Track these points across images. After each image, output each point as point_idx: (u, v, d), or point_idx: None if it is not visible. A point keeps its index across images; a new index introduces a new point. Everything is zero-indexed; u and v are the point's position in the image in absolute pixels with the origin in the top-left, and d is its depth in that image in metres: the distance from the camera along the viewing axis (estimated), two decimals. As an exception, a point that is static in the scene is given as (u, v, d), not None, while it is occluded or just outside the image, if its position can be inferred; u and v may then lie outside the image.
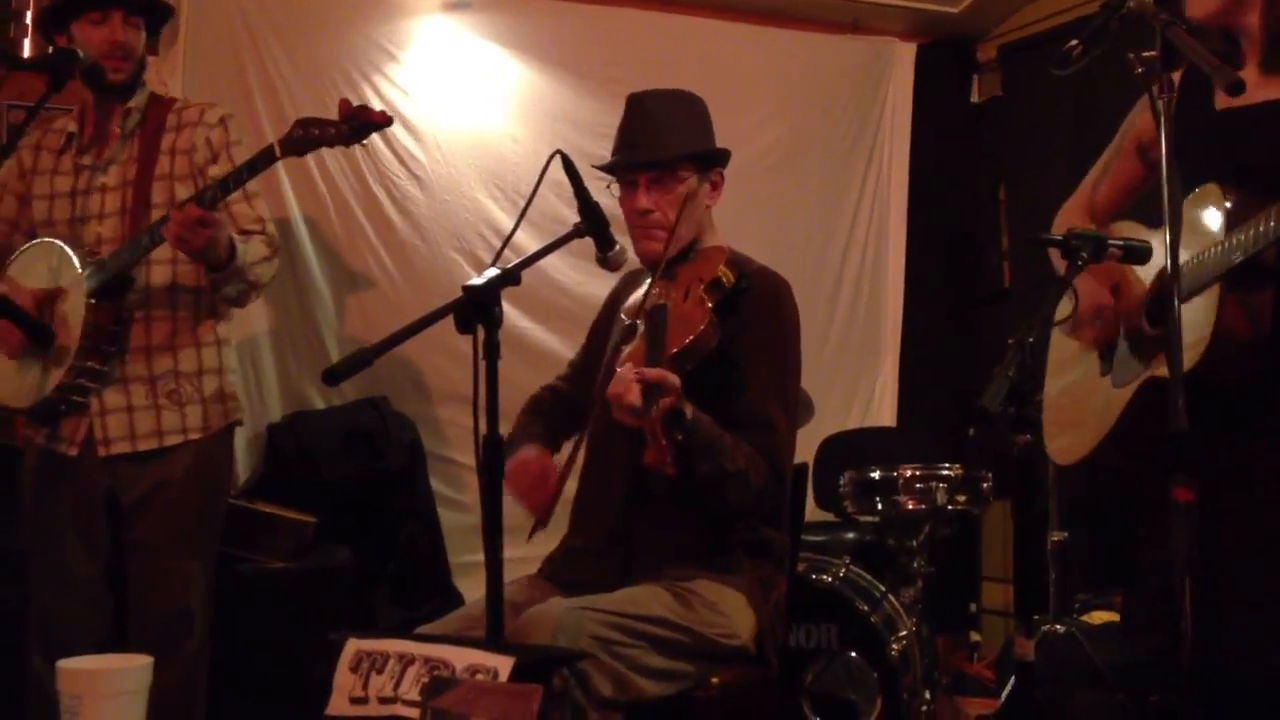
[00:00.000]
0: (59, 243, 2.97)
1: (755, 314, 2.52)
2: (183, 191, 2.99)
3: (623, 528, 2.51)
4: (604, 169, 2.63)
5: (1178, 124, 2.12)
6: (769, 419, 2.47)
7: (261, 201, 3.06)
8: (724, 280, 2.46)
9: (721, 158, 2.67)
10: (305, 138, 2.78)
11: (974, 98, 5.59)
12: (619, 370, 2.22)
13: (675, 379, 2.17)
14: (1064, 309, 2.41)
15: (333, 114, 2.79)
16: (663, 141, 2.59)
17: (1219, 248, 2.09)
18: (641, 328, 2.42)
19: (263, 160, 2.78)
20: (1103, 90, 4.60)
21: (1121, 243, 2.12)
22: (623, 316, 2.50)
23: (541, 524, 2.43)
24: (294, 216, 4.26)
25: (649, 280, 2.60)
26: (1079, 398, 2.52)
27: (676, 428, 2.16)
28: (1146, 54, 1.95)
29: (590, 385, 2.73)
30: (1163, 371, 2.00)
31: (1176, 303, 1.87)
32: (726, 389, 2.45)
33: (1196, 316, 2.11)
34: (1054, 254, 2.36)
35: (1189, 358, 2.06)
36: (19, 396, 2.96)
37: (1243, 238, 2.05)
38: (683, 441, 2.19)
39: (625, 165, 2.60)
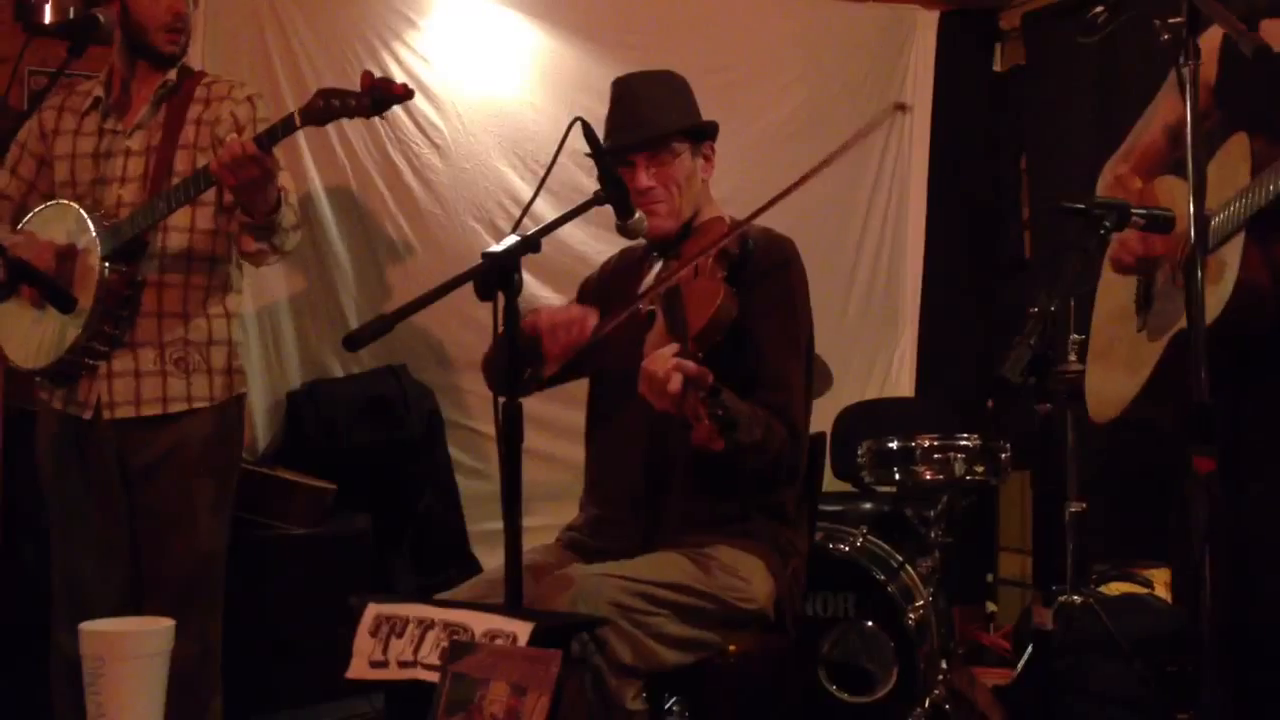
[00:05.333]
0: (74, 205, 2.98)
1: (763, 275, 2.53)
2: (203, 162, 2.99)
3: (644, 496, 2.52)
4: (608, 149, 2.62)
5: (1223, 71, 2.09)
6: (786, 378, 2.48)
7: (286, 174, 3.07)
8: (729, 249, 2.46)
9: (710, 131, 2.68)
10: (326, 108, 2.79)
11: (996, 66, 5.55)
12: (652, 357, 2.21)
13: (709, 373, 2.17)
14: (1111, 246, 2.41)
15: (352, 80, 2.79)
16: (654, 120, 2.60)
17: (1244, 195, 2.08)
18: (659, 314, 2.42)
19: (282, 129, 2.79)
20: (1127, 59, 4.57)
21: (1144, 211, 2.11)
22: (639, 306, 2.49)
23: (538, 378, 2.39)
24: (314, 185, 4.26)
25: (659, 264, 2.60)
26: (1117, 352, 2.52)
27: (715, 406, 2.17)
28: (1172, 20, 1.93)
29: None
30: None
31: (1200, 272, 1.86)
32: (742, 352, 2.45)
33: (1224, 268, 2.10)
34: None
35: (1213, 308, 2.05)
36: (34, 357, 2.97)
37: (1266, 182, 2.04)
38: (721, 416, 2.19)
39: (622, 147, 2.60)
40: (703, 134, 2.66)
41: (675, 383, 2.12)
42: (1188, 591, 2.43)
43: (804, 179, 2.40)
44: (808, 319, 2.60)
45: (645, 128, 2.59)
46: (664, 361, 2.15)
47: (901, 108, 2.48)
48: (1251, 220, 2.08)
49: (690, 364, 2.14)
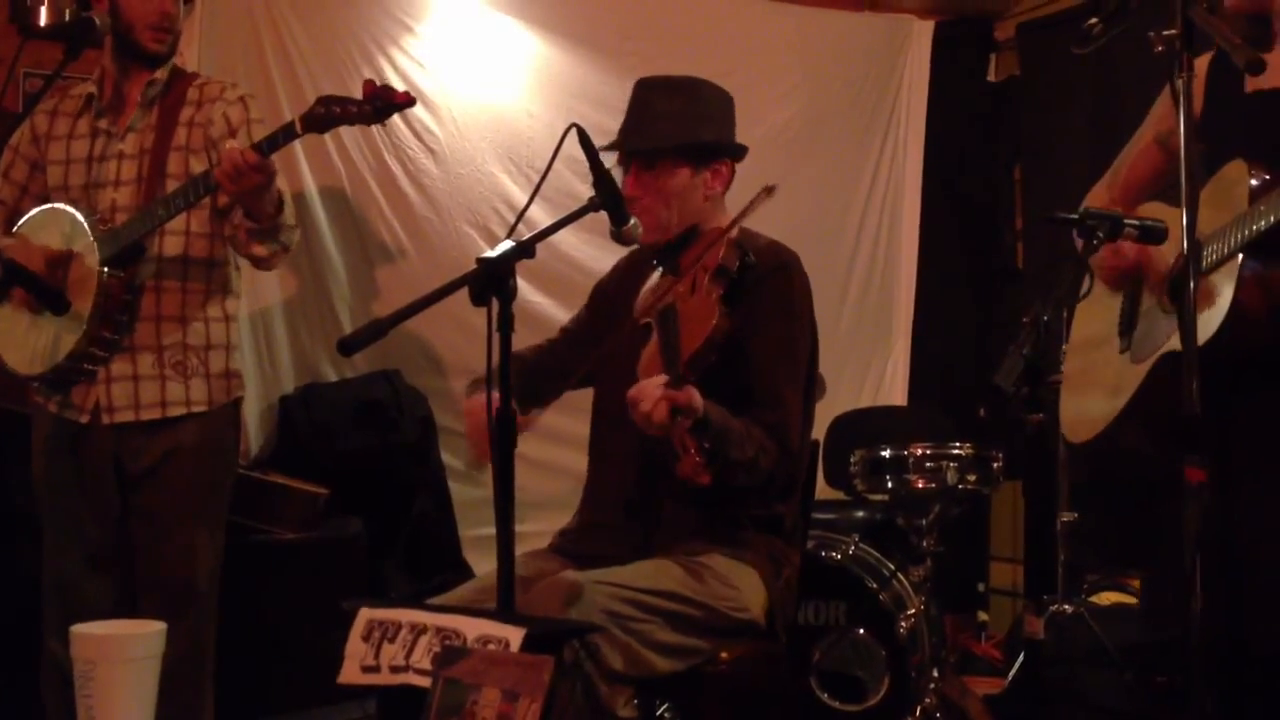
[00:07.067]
0: (70, 209, 2.97)
1: (762, 292, 2.50)
2: (196, 165, 2.99)
3: (639, 504, 2.51)
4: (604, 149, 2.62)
5: (1208, 106, 2.10)
6: (779, 396, 2.46)
7: (279, 175, 3.07)
8: (727, 266, 2.45)
9: (720, 150, 2.62)
10: (327, 115, 2.79)
11: (991, 76, 5.57)
12: (639, 386, 2.21)
13: (699, 401, 2.17)
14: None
15: (347, 85, 2.80)
16: (649, 132, 2.58)
17: (1241, 221, 2.09)
18: (655, 331, 2.42)
19: (283, 136, 2.79)
20: (1121, 70, 4.58)
21: (1137, 223, 2.12)
22: (636, 317, 2.50)
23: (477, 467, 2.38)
24: (309, 189, 4.26)
25: (656, 275, 2.60)
26: (1097, 374, 2.53)
27: (704, 437, 2.17)
28: (1167, 33, 1.94)
29: (582, 352, 2.72)
30: (1179, 346, 2.00)
31: (1192, 286, 1.87)
32: (737, 367, 2.45)
33: (1218, 291, 2.11)
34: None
35: (1205, 331, 2.06)
36: (31, 363, 2.96)
37: (1264, 209, 2.05)
38: (709, 449, 2.19)
39: (615, 150, 2.59)
40: (709, 153, 2.62)
41: (661, 413, 2.12)
42: (1158, 600, 2.44)
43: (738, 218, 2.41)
44: (808, 335, 2.58)
45: (637, 138, 2.59)
46: (653, 390, 2.15)
47: (770, 191, 2.47)
48: (1248, 245, 2.08)
49: (679, 395, 2.14)
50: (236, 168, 2.73)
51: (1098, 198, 2.61)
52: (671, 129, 2.58)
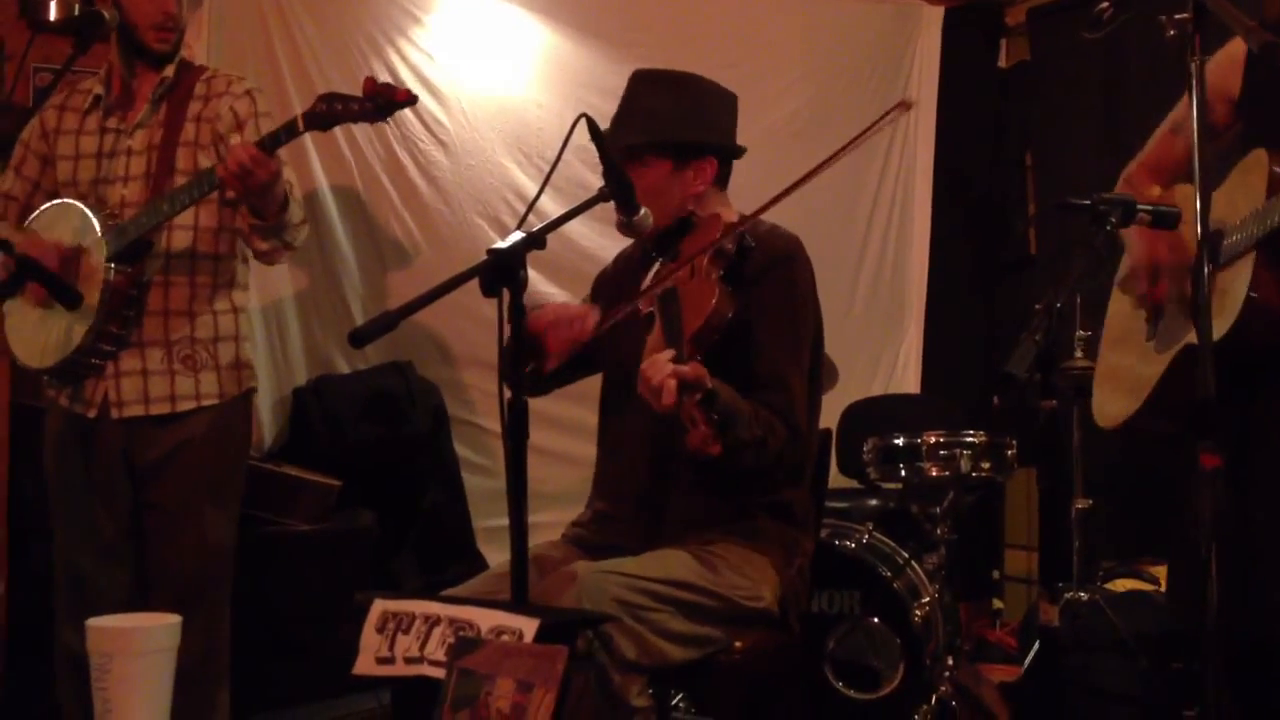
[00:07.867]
0: (79, 204, 2.98)
1: (764, 275, 2.51)
2: (204, 160, 3.00)
3: (650, 493, 2.52)
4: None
5: (1248, 83, 2.08)
6: (784, 379, 2.46)
7: (289, 169, 3.08)
8: (725, 248, 2.45)
9: (704, 149, 2.62)
10: (329, 113, 2.79)
11: (1001, 62, 5.55)
12: (649, 360, 2.21)
13: (705, 374, 2.17)
14: (1122, 266, 2.42)
15: (356, 78, 2.81)
16: (630, 127, 2.60)
17: (1260, 215, 2.08)
18: (656, 316, 2.42)
19: (285, 133, 2.80)
20: (1132, 55, 4.56)
21: (1150, 208, 2.11)
22: (638, 306, 2.50)
23: (539, 374, 2.40)
24: (319, 182, 4.26)
25: (658, 262, 2.60)
26: (1127, 364, 2.52)
27: (712, 410, 2.17)
28: (1178, 16, 1.93)
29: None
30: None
31: (1205, 272, 1.86)
32: (741, 351, 2.45)
33: (1234, 285, 2.10)
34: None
35: (1221, 325, 2.05)
36: (41, 356, 2.98)
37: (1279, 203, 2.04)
38: (719, 420, 2.19)
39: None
40: (690, 150, 2.62)
41: (670, 389, 2.12)
42: (1183, 590, 2.42)
43: (805, 179, 2.39)
44: (812, 318, 2.58)
45: (620, 133, 2.60)
46: (660, 366, 2.16)
47: (906, 105, 2.43)
48: (1264, 241, 2.07)
49: (686, 369, 2.14)
50: (242, 165, 2.73)
51: (1136, 174, 2.60)
52: (652, 125, 2.59)
